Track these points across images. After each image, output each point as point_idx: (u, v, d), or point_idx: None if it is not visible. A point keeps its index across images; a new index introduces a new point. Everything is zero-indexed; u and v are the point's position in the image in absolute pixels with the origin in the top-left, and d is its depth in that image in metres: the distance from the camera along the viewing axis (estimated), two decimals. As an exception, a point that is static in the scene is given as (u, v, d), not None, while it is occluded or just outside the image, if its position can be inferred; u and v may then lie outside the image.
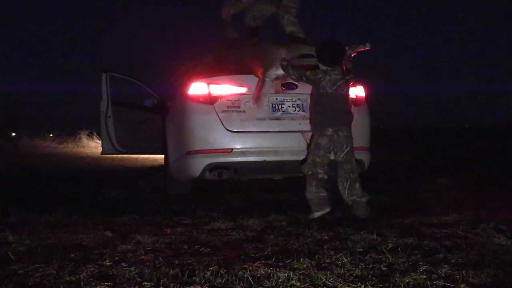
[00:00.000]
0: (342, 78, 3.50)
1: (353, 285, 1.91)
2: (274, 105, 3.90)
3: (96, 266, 2.12)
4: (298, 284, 1.92)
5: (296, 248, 2.46)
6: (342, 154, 3.45)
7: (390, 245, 2.50)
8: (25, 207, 3.56)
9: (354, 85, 4.25)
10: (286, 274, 2.00)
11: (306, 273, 2.04)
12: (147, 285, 1.90)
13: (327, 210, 3.37)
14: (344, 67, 3.59)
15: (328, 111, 3.47)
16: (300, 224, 3.04)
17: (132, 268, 2.09)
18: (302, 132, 3.88)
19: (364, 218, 3.30)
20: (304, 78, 3.61)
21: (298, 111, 3.95)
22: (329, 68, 3.50)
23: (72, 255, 2.28)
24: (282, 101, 3.92)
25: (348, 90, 3.59)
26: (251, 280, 1.94)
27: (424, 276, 1.99)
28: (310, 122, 3.65)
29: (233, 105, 3.80)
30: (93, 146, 14.10)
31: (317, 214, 3.35)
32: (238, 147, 3.74)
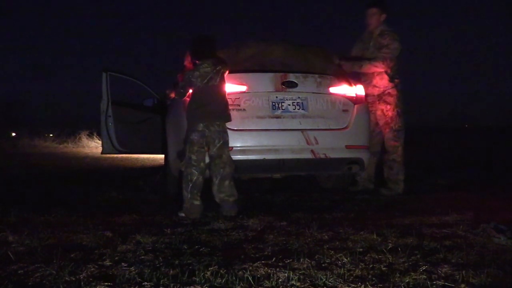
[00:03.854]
0: (212, 70, 3.48)
1: (353, 285, 1.90)
2: (274, 104, 3.90)
3: (96, 266, 2.12)
4: (298, 284, 1.92)
5: (296, 248, 2.46)
6: (215, 149, 3.48)
7: (390, 245, 2.49)
8: (25, 207, 3.56)
9: (354, 84, 4.25)
10: (286, 274, 2.00)
11: (306, 273, 2.04)
12: (147, 285, 1.90)
13: (194, 217, 3.37)
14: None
15: (199, 106, 3.48)
16: (300, 224, 3.04)
17: (132, 268, 2.09)
18: (302, 130, 3.88)
19: (233, 216, 3.34)
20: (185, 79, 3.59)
21: (298, 109, 3.95)
22: (200, 63, 3.51)
23: (72, 255, 2.28)
24: (282, 100, 3.92)
25: (222, 82, 3.54)
26: (251, 280, 1.94)
27: (424, 276, 1.99)
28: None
29: (233, 103, 3.79)
30: (93, 146, 14.11)
31: (182, 215, 3.40)
32: (238, 145, 3.74)
